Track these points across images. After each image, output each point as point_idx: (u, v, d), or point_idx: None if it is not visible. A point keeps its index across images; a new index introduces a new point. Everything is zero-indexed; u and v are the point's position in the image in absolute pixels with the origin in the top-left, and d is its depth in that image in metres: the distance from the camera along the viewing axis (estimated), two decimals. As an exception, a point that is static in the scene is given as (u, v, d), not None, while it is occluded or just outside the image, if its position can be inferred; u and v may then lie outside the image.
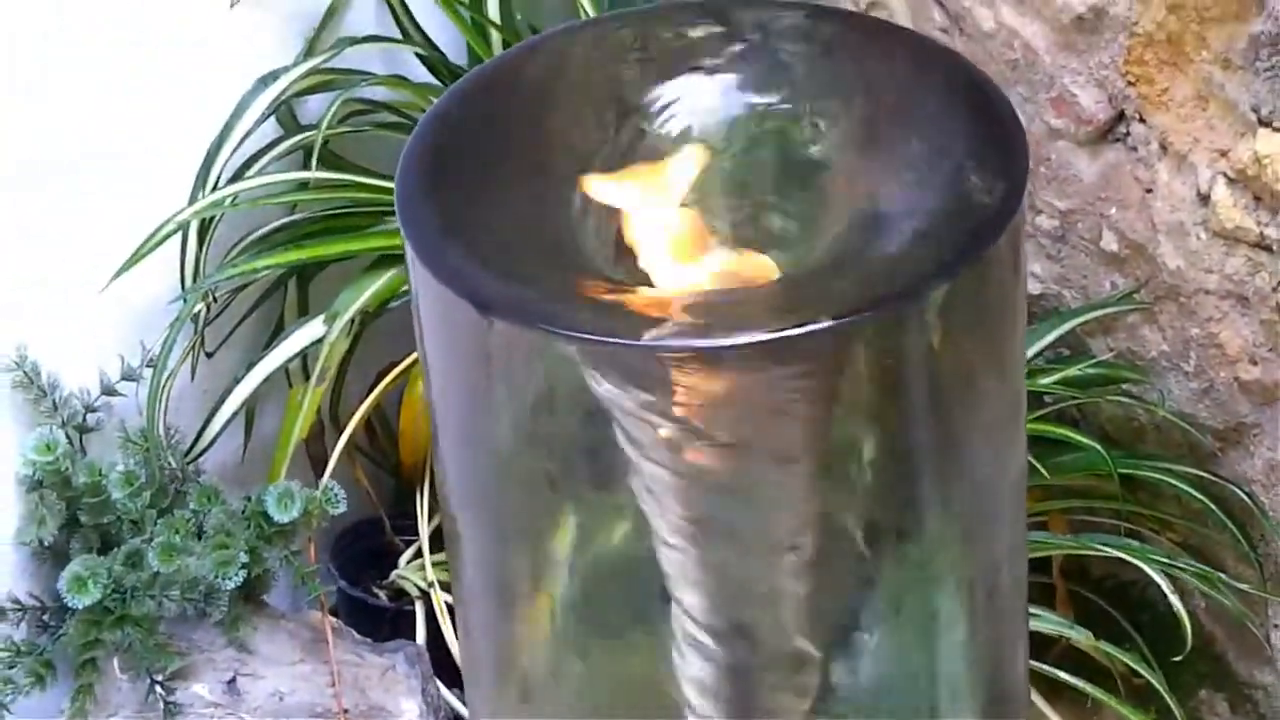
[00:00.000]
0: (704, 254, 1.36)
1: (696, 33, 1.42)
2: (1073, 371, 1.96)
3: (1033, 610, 1.84)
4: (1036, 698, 1.97)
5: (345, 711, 1.89)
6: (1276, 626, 1.98)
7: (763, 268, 1.34)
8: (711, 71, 1.40)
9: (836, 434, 1.33)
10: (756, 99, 1.39)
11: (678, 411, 1.27)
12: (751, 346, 1.24)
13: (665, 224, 1.37)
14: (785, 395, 1.29)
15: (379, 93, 2.04)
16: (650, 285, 1.32)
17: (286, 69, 1.99)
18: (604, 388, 1.27)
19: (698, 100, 1.39)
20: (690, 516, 1.31)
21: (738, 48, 1.41)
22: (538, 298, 1.28)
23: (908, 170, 1.34)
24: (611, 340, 1.25)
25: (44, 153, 1.85)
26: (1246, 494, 1.94)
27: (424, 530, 2.02)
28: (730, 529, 1.35)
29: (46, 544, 1.90)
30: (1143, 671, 1.97)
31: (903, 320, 1.28)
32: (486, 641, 1.49)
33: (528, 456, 1.36)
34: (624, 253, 1.35)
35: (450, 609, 1.88)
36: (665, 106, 1.39)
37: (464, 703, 1.69)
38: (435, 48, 2.06)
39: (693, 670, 1.39)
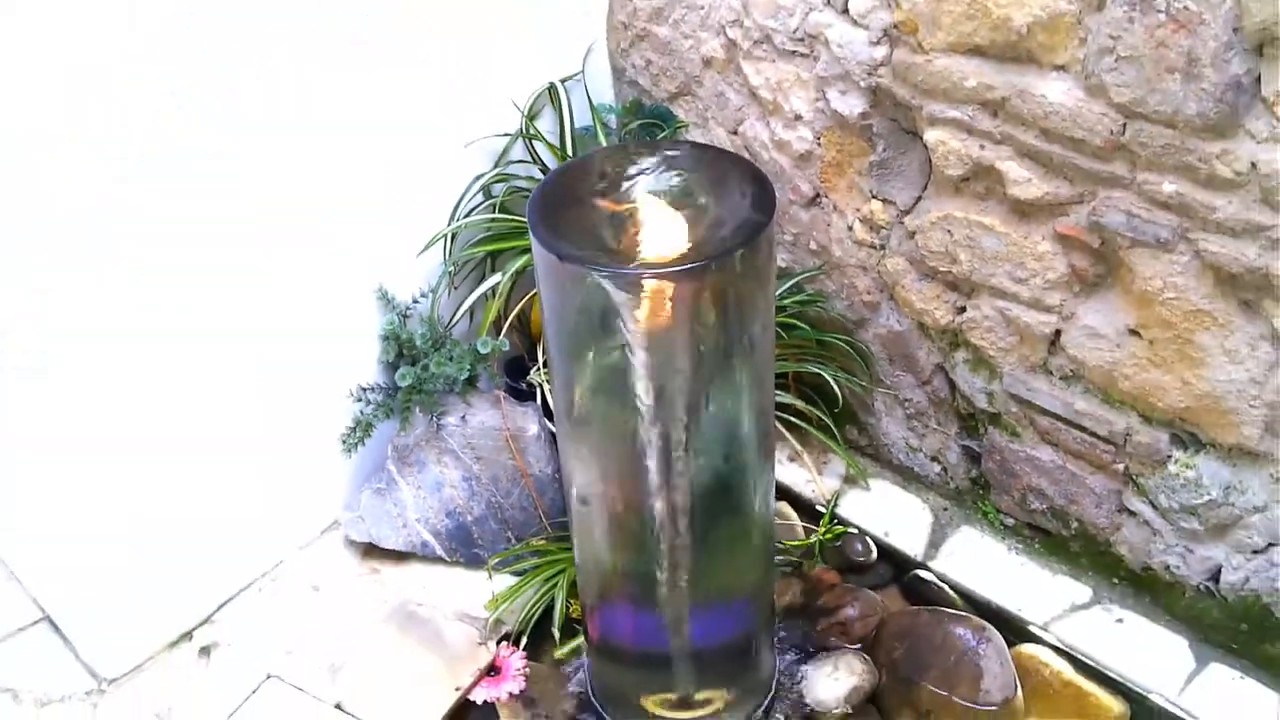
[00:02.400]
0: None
1: (645, 153, 1.49)
2: (799, 297, 2.05)
3: (781, 394, 2.02)
4: (783, 430, 2.08)
5: (508, 429, 1.97)
6: (874, 399, 2.08)
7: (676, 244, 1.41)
8: (651, 166, 1.46)
9: (702, 314, 1.38)
10: (670, 178, 1.45)
11: (642, 303, 1.32)
12: (671, 272, 1.31)
13: (639, 226, 1.42)
14: (684, 295, 1.35)
15: (522, 182, 2.08)
16: (634, 250, 1.38)
17: (486, 173, 2.06)
18: (612, 292, 1.32)
19: (644, 177, 1.45)
20: (644, 344, 1.36)
21: (661, 158, 1.47)
22: (584, 254, 1.34)
23: (728, 208, 1.42)
24: (614, 270, 1.32)
25: (393, 208, 1.95)
26: (864, 346, 2.04)
27: (540, 360, 2.02)
28: (659, 349, 1.38)
29: (390, 360, 1.98)
30: (824, 418, 2.05)
31: (725, 265, 1.36)
32: (563, 401, 1.54)
33: (577, 326, 1.43)
34: (621, 238, 1.40)
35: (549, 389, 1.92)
36: (632, 179, 1.45)
37: (555, 426, 1.71)
38: (545, 166, 2.11)
39: (643, 409, 1.42)
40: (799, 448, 2.06)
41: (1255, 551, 1.65)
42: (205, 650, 1.79)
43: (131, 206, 1.59)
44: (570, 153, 2.08)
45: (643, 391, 1.38)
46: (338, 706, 1.72)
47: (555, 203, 1.40)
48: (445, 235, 1.97)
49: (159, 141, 1.58)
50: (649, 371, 1.37)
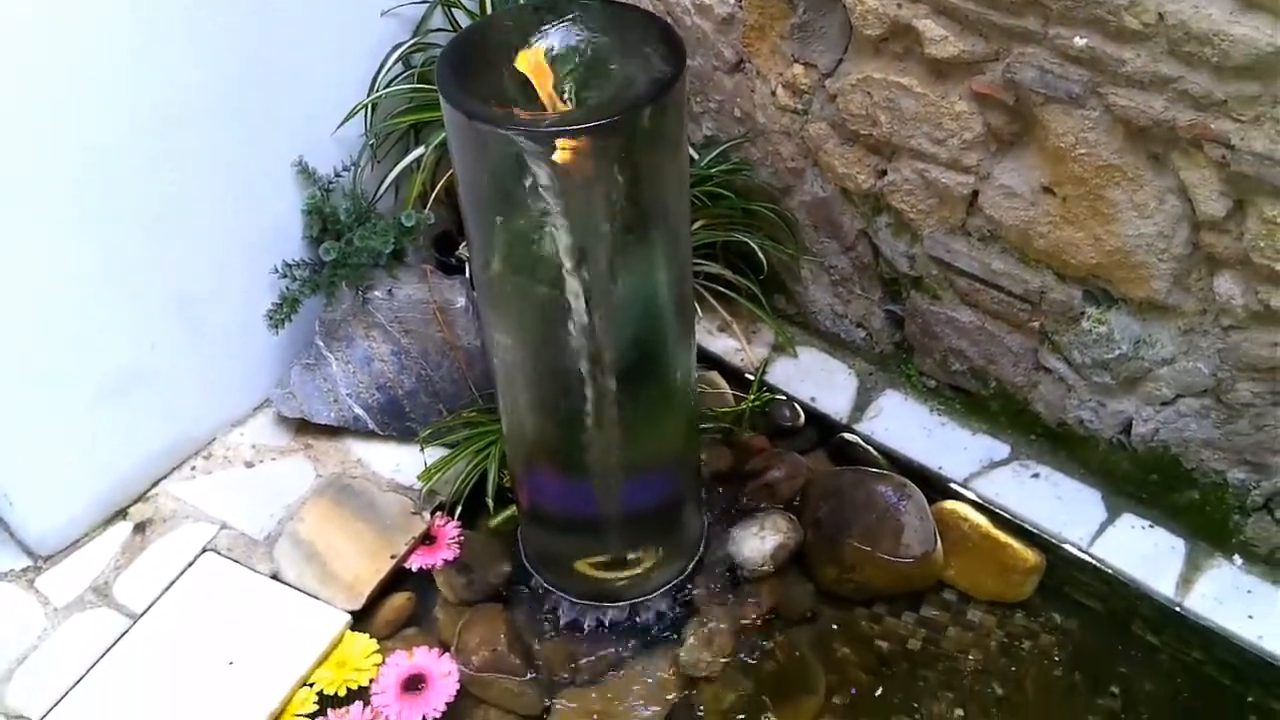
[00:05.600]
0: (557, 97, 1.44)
1: (553, 13, 1.44)
2: (725, 166, 2.03)
3: (709, 264, 2.03)
4: (713, 300, 2.08)
5: (435, 301, 1.96)
6: (801, 267, 2.09)
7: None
8: (559, 24, 1.43)
9: (611, 173, 1.34)
10: (578, 35, 1.43)
11: (554, 158, 1.29)
12: (580, 129, 1.27)
13: (545, 85, 1.41)
14: (595, 153, 1.31)
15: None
16: (541, 108, 1.39)
17: (406, 41, 1.99)
18: (524, 150, 1.28)
19: (555, 35, 1.42)
20: (557, 207, 1.34)
21: (569, 17, 1.44)
22: (493, 114, 1.33)
23: (639, 66, 1.40)
24: (526, 129, 1.29)
25: (310, 79, 1.87)
26: (790, 214, 2.04)
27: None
28: (572, 212, 1.34)
29: (314, 235, 1.95)
30: (753, 287, 2.07)
31: (633, 122, 1.33)
32: (481, 269, 1.52)
33: (489, 189, 1.39)
34: (530, 96, 1.40)
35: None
36: (542, 36, 1.43)
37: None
38: (464, 32, 2.02)
39: (557, 274, 1.40)
40: (728, 318, 2.07)
41: (1164, 403, 1.69)
42: (140, 527, 1.81)
43: (42, 87, 1.55)
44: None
45: (556, 255, 1.36)
46: (274, 577, 1.74)
47: (464, 63, 1.36)
48: (365, 106, 1.91)
49: (80, 22, 1.52)
50: (563, 235, 1.34)
